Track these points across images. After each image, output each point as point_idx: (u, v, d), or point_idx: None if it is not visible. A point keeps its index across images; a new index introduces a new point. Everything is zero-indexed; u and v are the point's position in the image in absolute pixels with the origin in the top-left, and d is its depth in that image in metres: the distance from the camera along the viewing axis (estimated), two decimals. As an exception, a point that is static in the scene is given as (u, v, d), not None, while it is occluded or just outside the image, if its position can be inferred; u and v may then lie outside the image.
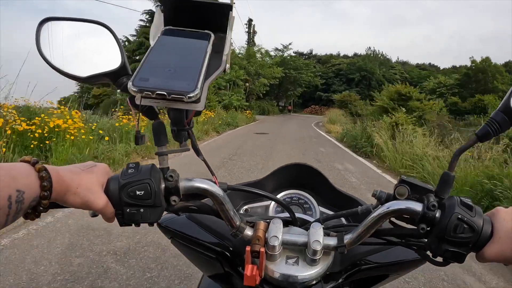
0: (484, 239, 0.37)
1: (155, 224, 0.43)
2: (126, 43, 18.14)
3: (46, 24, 0.41)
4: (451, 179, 0.41)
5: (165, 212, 0.42)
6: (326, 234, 0.45)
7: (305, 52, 49.87)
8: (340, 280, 0.50)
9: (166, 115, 0.48)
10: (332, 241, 0.43)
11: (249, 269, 0.41)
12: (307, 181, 0.71)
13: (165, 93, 0.34)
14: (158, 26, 0.45)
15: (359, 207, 0.48)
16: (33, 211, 0.34)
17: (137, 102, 0.36)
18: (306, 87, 35.22)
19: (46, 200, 0.33)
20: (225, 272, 0.55)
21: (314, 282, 0.45)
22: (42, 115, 4.23)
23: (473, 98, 24.83)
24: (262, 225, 0.45)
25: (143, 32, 17.76)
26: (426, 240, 0.41)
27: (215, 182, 0.44)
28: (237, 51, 26.01)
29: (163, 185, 0.40)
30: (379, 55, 40.32)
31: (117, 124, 6.03)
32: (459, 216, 0.37)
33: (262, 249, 0.42)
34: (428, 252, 0.42)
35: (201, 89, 0.36)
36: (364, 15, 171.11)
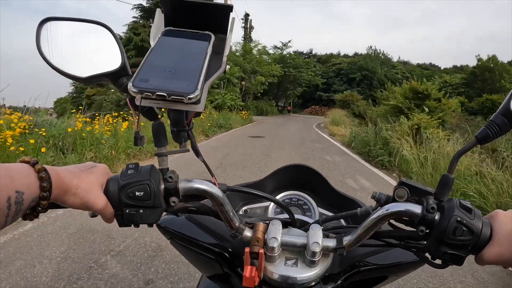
0: (483, 241, 0.37)
1: (155, 225, 0.43)
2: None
3: (46, 24, 0.41)
4: (450, 182, 0.41)
5: (164, 213, 0.42)
6: (325, 236, 0.45)
7: (304, 51, 48.90)
8: (339, 282, 0.50)
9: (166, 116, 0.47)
10: (331, 243, 0.43)
11: (248, 270, 0.41)
12: (306, 182, 0.71)
13: (165, 94, 0.34)
14: (158, 26, 0.45)
15: (359, 209, 0.48)
16: (32, 212, 0.34)
17: (137, 103, 0.36)
18: (306, 87, 33.65)
19: (46, 200, 0.33)
20: (224, 273, 0.55)
21: (313, 283, 0.45)
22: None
23: (480, 97, 23.75)
24: (261, 226, 0.45)
25: (133, 27, 17.17)
26: (425, 242, 0.41)
27: (214, 183, 0.44)
28: (233, 47, 24.67)
29: (162, 186, 0.40)
30: (380, 54, 39.72)
31: (70, 130, 4.74)
32: (458, 219, 0.37)
33: (261, 250, 0.42)
34: (427, 254, 0.42)
35: (201, 90, 0.36)
36: (363, 15, 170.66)
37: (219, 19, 0.44)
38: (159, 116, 0.43)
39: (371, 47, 42.69)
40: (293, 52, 33.50)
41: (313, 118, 26.88)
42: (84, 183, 0.37)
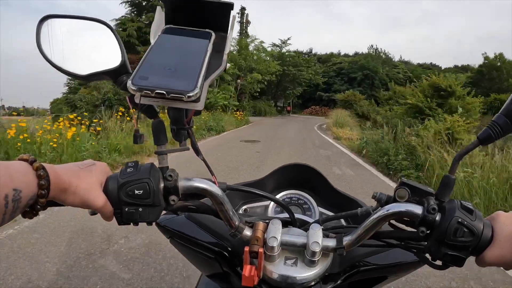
0: (484, 243, 0.37)
1: (154, 224, 0.43)
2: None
3: (46, 22, 0.41)
4: (451, 182, 0.41)
5: (164, 212, 0.42)
6: (325, 236, 0.45)
7: (304, 51, 47.70)
8: (338, 282, 0.50)
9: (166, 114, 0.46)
10: (331, 243, 0.43)
11: (247, 270, 0.41)
12: (306, 181, 0.71)
13: (164, 92, 0.34)
14: (158, 24, 0.44)
15: (359, 209, 0.48)
16: (31, 210, 0.34)
17: (137, 101, 0.35)
18: (306, 86, 32.36)
19: (44, 198, 0.33)
20: (224, 272, 0.55)
21: (312, 283, 0.45)
22: None
23: (488, 97, 22.58)
24: (261, 225, 0.44)
25: (121, 22, 16.84)
26: (425, 243, 0.41)
27: (214, 182, 0.43)
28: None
29: (162, 185, 0.40)
30: (381, 54, 39.02)
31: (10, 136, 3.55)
32: (459, 220, 0.37)
33: (261, 250, 0.42)
34: (428, 255, 0.41)
35: (201, 89, 0.35)
36: (363, 15, 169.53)
37: (219, 17, 0.44)
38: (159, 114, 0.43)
39: (372, 46, 42.98)
40: (292, 51, 32.11)
41: (313, 119, 25.59)
42: (83, 181, 0.36)
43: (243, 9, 27.53)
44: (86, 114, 6.45)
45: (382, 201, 0.43)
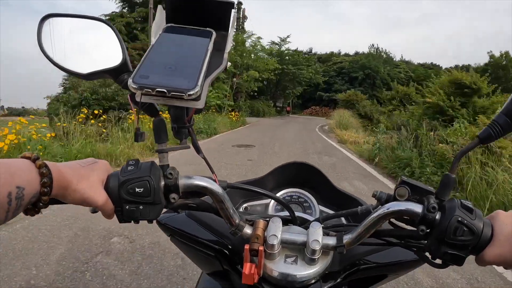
0: (484, 242, 0.37)
1: (154, 222, 0.43)
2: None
3: (47, 21, 0.41)
4: (452, 181, 0.40)
5: (164, 210, 0.42)
6: (326, 234, 0.45)
7: (304, 50, 46.64)
8: (338, 280, 0.49)
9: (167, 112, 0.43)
10: (331, 241, 0.43)
11: (247, 268, 0.41)
12: (307, 180, 0.70)
13: (165, 91, 0.34)
14: (159, 23, 0.44)
15: (359, 207, 0.48)
16: (33, 207, 0.34)
17: (137, 99, 0.35)
18: (306, 86, 31.52)
19: (46, 196, 0.33)
20: (224, 270, 0.55)
21: (312, 281, 0.45)
22: None
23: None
24: (261, 223, 0.44)
25: (110, 18, 17.03)
26: (425, 241, 0.41)
27: (214, 180, 0.43)
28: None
29: (162, 183, 0.40)
30: (382, 53, 38.50)
31: None
32: (459, 219, 0.36)
33: (261, 248, 0.42)
34: (427, 254, 0.41)
35: (201, 87, 0.35)
36: (363, 15, 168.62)
37: (220, 16, 0.44)
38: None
39: (373, 45, 42.26)
40: (292, 50, 30.79)
41: (314, 120, 24.64)
42: (85, 179, 0.36)
43: (239, 3, 26.46)
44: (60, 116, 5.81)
45: (382, 200, 0.43)
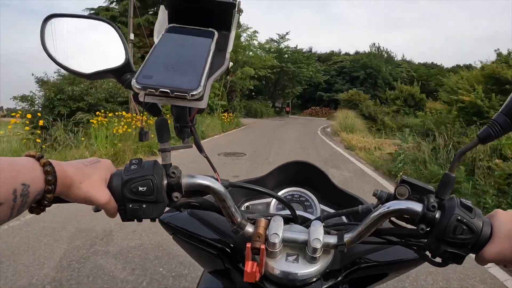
0: (483, 240, 0.37)
1: (157, 220, 0.43)
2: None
3: (50, 21, 0.41)
4: (451, 180, 0.41)
5: (167, 208, 0.42)
6: (327, 232, 0.45)
7: (304, 50, 45.52)
8: (339, 278, 0.49)
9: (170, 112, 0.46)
10: (332, 239, 0.43)
11: (249, 266, 0.41)
12: (308, 179, 0.70)
13: (168, 91, 0.34)
14: (162, 23, 0.45)
15: (360, 206, 0.48)
16: (38, 205, 0.34)
17: (141, 99, 0.36)
18: (306, 85, 30.17)
19: (51, 194, 0.33)
20: (226, 268, 0.55)
21: (313, 279, 0.45)
22: None
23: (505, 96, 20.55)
24: (263, 222, 0.44)
25: (95, 13, 16.44)
26: (425, 240, 0.41)
27: (217, 179, 0.43)
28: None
29: (165, 181, 0.40)
30: (384, 52, 37.52)
31: None
32: (459, 218, 0.37)
33: (263, 246, 0.42)
34: (427, 252, 0.42)
35: (204, 87, 0.36)
36: (363, 15, 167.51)
37: (222, 16, 0.44)
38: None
39: (374, 44, 41.50)
40: (291, 47, 29.26)
41: (314, 121, 23.20)
42: (88, 178, 0.37)
43: (235, -2, 25.11)
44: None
45: (383, 199, 0.43)
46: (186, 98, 0.34)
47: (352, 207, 0.48)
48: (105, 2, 17.11)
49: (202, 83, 0.35)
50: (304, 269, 0.43)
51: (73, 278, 1.77)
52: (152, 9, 16.02)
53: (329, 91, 35.41)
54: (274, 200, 0.66)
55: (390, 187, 4.31)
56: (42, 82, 9.26)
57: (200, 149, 0.47)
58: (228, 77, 16.63)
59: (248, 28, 20.32)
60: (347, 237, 0.42)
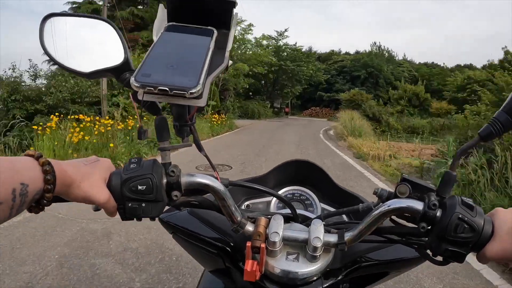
0: (485, 239, 0.37)
1: (157, 219, 0.43)
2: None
3: (49, 20, 0.41)
4: (452, 179, 0.41)
5: (166, 207, 0.42)
6: (327, 231, 0.45)
7: (304, 49, 44.49)
8: (340, 277, 0.50)
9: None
10: (333, 238, 0.44)
11: (249, 265, 0.41)
12: (308, 178, 0.71)
13: (167, 89, 0.34)
14: (161, 22, 0.45)
15: (360, 204, 0.48)
16: (37, 205, 0.34)
17: (139, 97, 0.36)
18: (306, 84, 28.55)
19: (50, 193, 0.33)
20: (226, 267, 0.55)
21: (314, 278, 0.45)
22: None
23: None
24: (263, 221, 0.45)
25: (78, 7, 15.89)
26: (426, 239, 0.41)
27: (216, 178, 0.44)
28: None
29: (165, 180, 0.40)
30: (385, 51, 37.39)
31: None
32: (460, 216, 0.37)
33: (263, 245, 0.42)
34: (428, 251, 0.42)
35: (203, 85, 0.36)
36: (363, 15, 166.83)
37: (221, 15, 0.44)
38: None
39: (375, 43, 40.92)
40: (291, 45, 27.95)
41: (315, 122, 21.90)
42: (87, 177, 0.37)
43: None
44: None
45: (383, 197, 0.44)
46: (185, 96, 0.34)
47: (352, 206, 0.49)
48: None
49: (201, 82, 0.35)
50: (305, 268, 0.43)
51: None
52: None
53: (329, 91, 34.64)
54: (274, 199, 0.67)
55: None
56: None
57: (200, 147, 0.48)
58: (221, 75, 15.31)
59: (242, 21, 18.41)
60: (347, 235, 0.43)
